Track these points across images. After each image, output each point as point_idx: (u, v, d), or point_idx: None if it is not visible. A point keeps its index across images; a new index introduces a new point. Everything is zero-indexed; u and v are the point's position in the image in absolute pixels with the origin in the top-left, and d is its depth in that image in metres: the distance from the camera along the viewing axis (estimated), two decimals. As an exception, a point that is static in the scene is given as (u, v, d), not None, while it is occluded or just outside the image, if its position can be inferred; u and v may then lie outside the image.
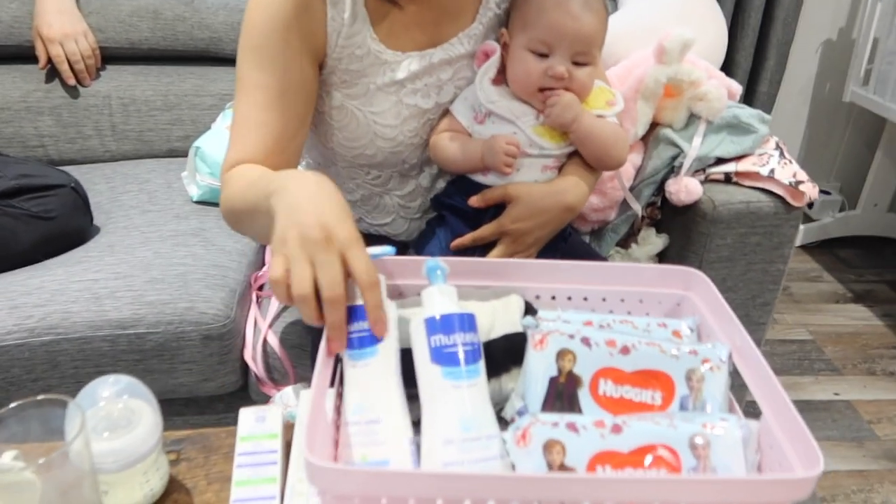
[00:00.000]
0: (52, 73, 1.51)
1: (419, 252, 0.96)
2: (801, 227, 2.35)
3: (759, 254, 1.16)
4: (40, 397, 0.55)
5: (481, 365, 0.62)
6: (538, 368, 0.66)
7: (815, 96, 2.33)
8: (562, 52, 0.85)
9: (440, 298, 0.64)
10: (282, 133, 0.82)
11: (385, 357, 0.62)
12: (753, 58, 2.06)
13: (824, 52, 2.25)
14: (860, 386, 1.73)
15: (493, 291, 0.75)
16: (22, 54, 1.50)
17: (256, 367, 1.06)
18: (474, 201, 0.90)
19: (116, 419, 0.65)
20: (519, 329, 0.70)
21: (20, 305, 1.02)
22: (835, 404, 1.66)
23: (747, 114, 1.16)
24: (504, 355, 0.69)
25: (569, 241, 1.00)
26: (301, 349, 1.06)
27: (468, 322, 0.62)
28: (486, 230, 0.89)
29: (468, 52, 0.90)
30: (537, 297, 0.79)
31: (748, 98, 2.13)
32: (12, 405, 0.54)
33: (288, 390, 1.02)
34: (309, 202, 0.62)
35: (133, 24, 1.51)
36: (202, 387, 1.07)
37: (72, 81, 1.51)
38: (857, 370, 1.79)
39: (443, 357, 0.60)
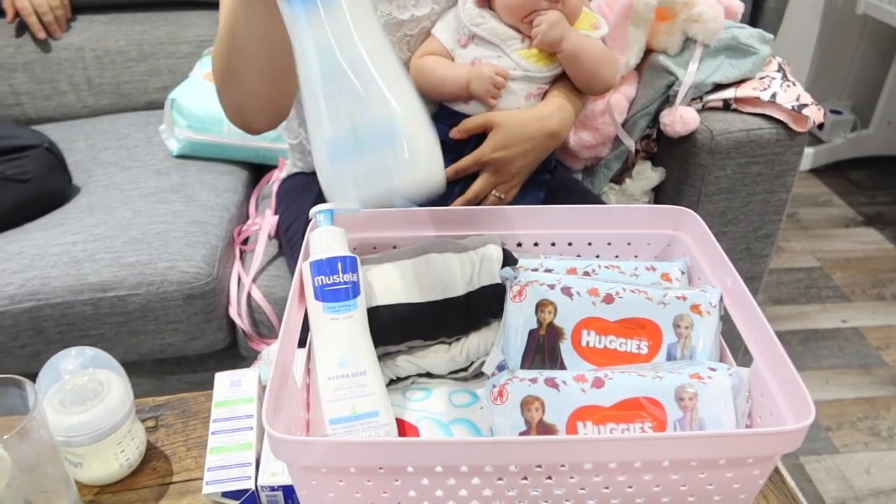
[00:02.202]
0: (22, 26, 1.45)
1: None
2: (811, 150, 2.27)
3: (761, 184, 1.11)
4: (-12, 379, 0.53)
5: (359, 300, 0.62)
6: (517, 321, 0.63)
7: (827, 9, 2.21)
8: None
9: (326, 241, 0.64)
10: None
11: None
12: (760, -29, 1.95)
13: (836, -40, 2.13)
14: (869, 312, 1.70)
15: (470, 241, 0.71)
16: (-12, 8, 1.44)
17: (242, 322, 1.04)
18: (455, 133, 0.86)
19: (83, 392, 0.63)
20: (497, 281, 0.67)
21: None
22: (842, 332, 1.63)
23: (747, 34, 1.09)
24: (483, 308, 0.67)
25: (555, 175, 0.96)
26: (286, 302, 1.04)
27: (349, 263, 0.62)
28: (466, 161, 0.86)
29: None
30: (519, 244, 0.76)
31: (755, 14, 2.02)
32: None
33: (275, 346, 1.00)
34: None
35: (100, -30, 1.44)
36: (190, 346, 1.06)
37: (42, 35, 1.45)
38: (865, 296, 1.76)
39: (325, 294, 0.61)
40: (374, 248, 0.74)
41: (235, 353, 1.11)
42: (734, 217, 1.13)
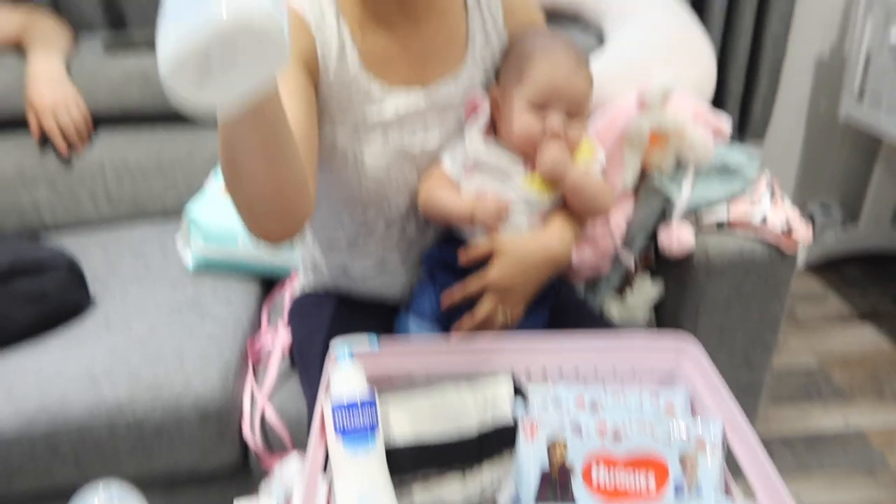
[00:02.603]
0: (45, 139, 1.52)
1: (411, 311, 0.96)
2: (803, 247, 2.33)
3: (756, 297, 1.15)
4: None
5: (377, 437, 0.66)
6: (529, 461, 0.66)
7: (811, 115, 2.32)
8: (558, 108, 0.87)
9: (346, 382, 0.69)
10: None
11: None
12: (745, 81, 2.06)
13: (817, 70, 2.24)
14: (869, 411, 1.71)
15: (482, 373, 0.74)
16: (15, 121, 1.50)
17: (255, 444, 1.05)
18: (462, 259, 0.90)
19: (109, 530, 0.65)
20: (509, 416, 0.70)
21: (17, 390, 1.02)
22: (845, 433, 1.64)
23: (735, 158, 1.16)
24: (497, 443, 0.70)
25: (561, 296, 1.00)
26: (300, 419, 1.06)
27: (368, 404, 0.67)
28: (472, 285, 0.89)
29: (455, 97, 0.91)
30: (528, 372, 0.79)
31: (742, 122, 2.13)
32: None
33: (287, 462, 1.01)
34: None
35: (124, 89, 1.51)
36: (204, 463, 1.07)
37: (66, 153, 1.51)
38: (865, 394, 1.77)
39: (345, 433, 0.65)
40: (390, 378, 0.77)
41: (247, 469, 1.12)
42: (731, 330, 1.17)
